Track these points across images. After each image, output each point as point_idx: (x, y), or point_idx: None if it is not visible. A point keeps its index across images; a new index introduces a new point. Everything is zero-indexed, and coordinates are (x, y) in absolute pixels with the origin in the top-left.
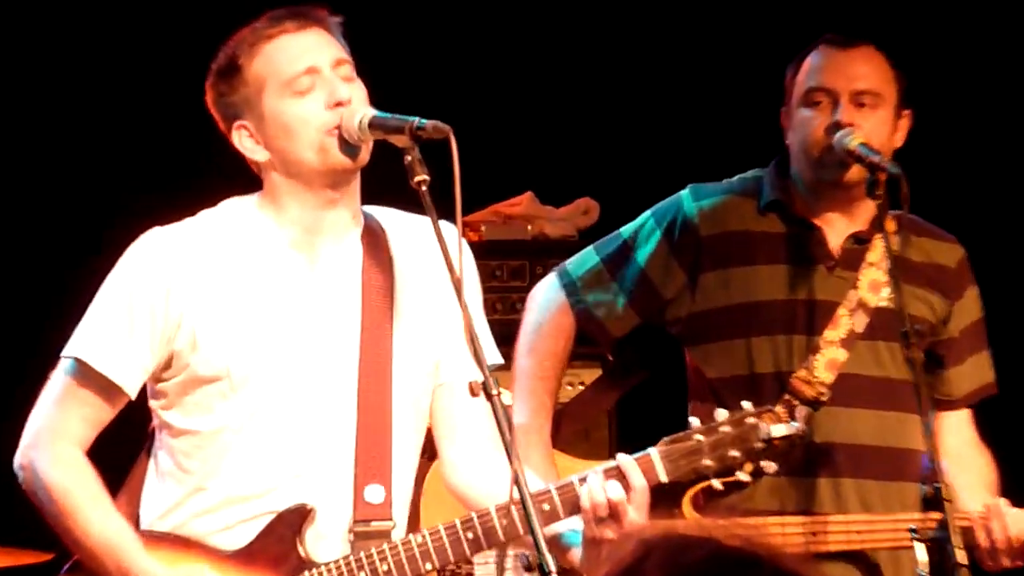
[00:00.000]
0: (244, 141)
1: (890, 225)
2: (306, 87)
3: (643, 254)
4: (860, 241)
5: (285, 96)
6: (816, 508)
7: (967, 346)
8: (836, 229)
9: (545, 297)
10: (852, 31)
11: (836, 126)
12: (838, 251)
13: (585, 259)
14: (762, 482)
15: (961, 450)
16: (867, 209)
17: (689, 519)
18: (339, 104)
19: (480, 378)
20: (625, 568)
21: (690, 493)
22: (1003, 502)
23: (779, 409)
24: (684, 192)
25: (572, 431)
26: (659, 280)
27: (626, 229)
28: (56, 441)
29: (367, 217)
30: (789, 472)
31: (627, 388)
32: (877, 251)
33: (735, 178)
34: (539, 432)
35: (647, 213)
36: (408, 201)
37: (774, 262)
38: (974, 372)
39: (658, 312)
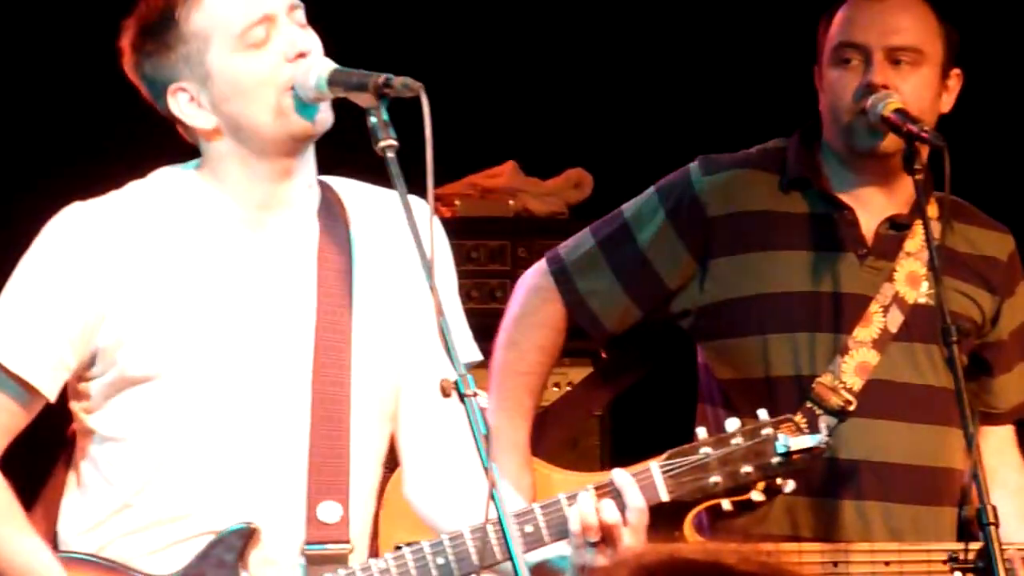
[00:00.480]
0: (184, 107)
1: (932, 209)
2: (260, 39)
3: (645, 236)
4: (897, 227)
5: (237, 51)
6: (837, 534)
7: (1017, 351)
8: (871, 210)
9: (532, 284)
10: None
11: (867, 88)
12: (871, 237)
13: (580, 242)
14: (776, 502)
15: (1003, 473)
16: (906, 188)
17: (692, 542)
18: (300, 55)
19: (453, 376)
20: None
21: (693, 513)
22: None
23: (798, 419)
24: (693, 165)
25: (557, 438)
26: (663, 267)
27: (627, 207)
28: None
29: (324, 189)
30: (807, 492)
31: (621, 388)
32: (917, 239)
33: (753, 149)
34: (516, 438)
35: (651, 189)
36: (372, 171)
37: (796, 248)
38: (1023, 382)
39: (662, 304)
